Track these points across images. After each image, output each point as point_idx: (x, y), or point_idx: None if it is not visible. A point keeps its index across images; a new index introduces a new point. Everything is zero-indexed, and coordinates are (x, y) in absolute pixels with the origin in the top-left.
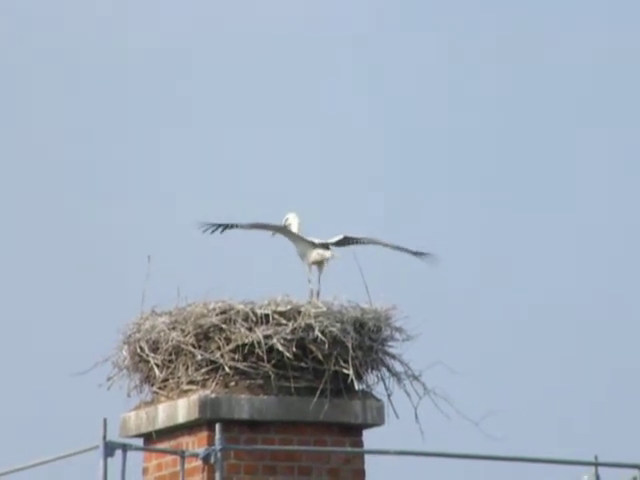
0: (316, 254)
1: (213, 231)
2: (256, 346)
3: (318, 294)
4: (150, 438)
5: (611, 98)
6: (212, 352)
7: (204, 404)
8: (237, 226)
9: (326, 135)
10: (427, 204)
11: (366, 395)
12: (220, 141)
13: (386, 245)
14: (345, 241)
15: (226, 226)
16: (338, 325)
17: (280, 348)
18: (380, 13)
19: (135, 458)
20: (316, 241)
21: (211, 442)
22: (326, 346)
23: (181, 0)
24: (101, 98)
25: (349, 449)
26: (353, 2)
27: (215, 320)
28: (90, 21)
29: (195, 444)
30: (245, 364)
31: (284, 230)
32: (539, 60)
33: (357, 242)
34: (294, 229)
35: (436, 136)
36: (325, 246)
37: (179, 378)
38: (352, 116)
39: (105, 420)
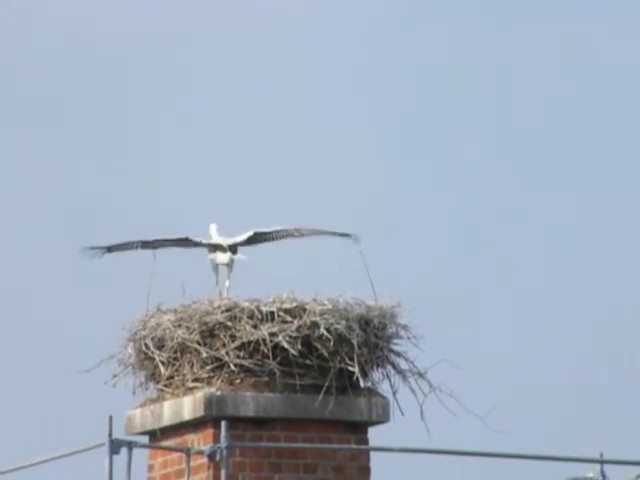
0: (219, 258)
1: (97, 254)
2: (261, 343)
3: (228, 290)
4: (155, 435)
5: (612, 98)
6: (217, 349)
7: (209, 401)
8: (126, 247)
9: (325, 134)
10: (427, 204)
11: (371, 392)
12: (220, 141)
13: (302, 234)
14: (257, 237)
15: (110, 248)
16: (343, 322)
17: (285, 345)
18: (380, 13)
19: (140, 455)
20: (223, 242)
21: (217, 439)
22: (331, 343)
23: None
24: (100, 98)
25: (354, 446)
26: (353, 2)
27: (220, 318)
28: (90, 21)
29: (201, 441)
30: (250, 361)
31: (185, 242)
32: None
33: (269, 237)
34: (213, 236)
35: (435, 138)
36: (233, 248)
37: (184, 375)
38: (352, 117)
39: (110, 417)
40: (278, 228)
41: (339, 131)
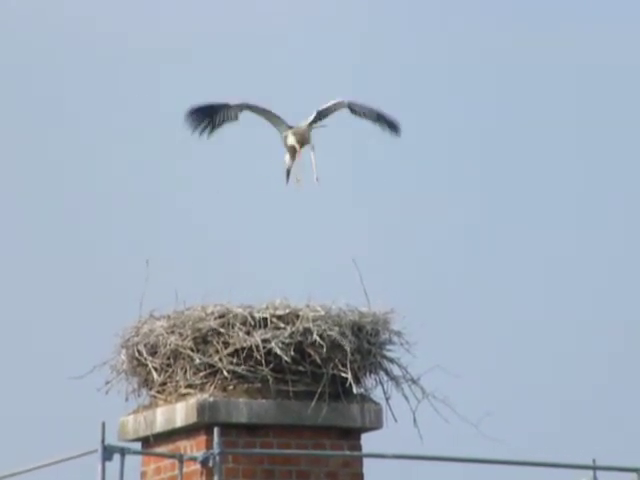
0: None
1: (202, 131)
2: (254, 350)
3: (317, 179)
4: (148, 442)
5: (611, 99)
6: (210, 356)
7: (202, 408)
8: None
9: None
10: (421, 211)
11: (364, 399)
12: (220, 143)
13: (356, 111)
14: (319, 116)
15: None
16: (336, 329)
17: (278, 352)
18: (380, 13)
19: (133, 462)
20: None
21: (209, 446)
22: (324, 350)
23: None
24: (101, 98)
25: (347, 453)
26: (353, 2)
27: (213, 324)
28: (89, 21)
29: (193, 448)
30: (243, 368)
31: (268, 113)
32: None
33: (330, 111)
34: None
35: (430, 142)
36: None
37: (177, 382)
38: (351, 120)
39: (103, 424)
40: (335, 102)
41: (339, 133)
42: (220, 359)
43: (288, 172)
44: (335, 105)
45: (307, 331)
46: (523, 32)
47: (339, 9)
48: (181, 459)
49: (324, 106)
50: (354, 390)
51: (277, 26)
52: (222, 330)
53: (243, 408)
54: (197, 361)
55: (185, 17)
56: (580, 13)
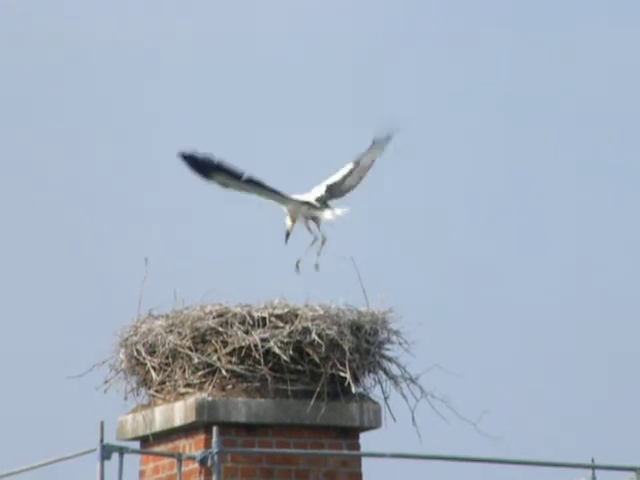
0: (326, 215)
1: (196, 166)
2: (253, 349)
3: (324, 242)
4: (147, 441)
5: (610, 99)
6: (209, 355)
7: (201, 407)
8: (233, 171)
9: (324, 138)
10: (420, 210)
11: (363, 398)
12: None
13: (362, 165)
14: (333, 189)
15: (213, 166)
16: (335, 328)
17: (277, 351)
18: (380, 14)
19: (132, 461)
20: (304, 199)
21: (208, 445)
22: (323, 349)
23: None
24: (100, 99)
25: (346, 452)
26: (354, 2)
27: (212, 323)
28: (88, 21)
29: (192, 447)
30: (242, 367)
31: (278, 195)
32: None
33: (343, 186)
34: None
35: (428, 141)
36: (320, 204)
37: (176, 381)
38: (350, 121)
39: (102, 423)
40: (342, 173)
41: (338, 133)
42: (219, 358)
43: (287, 234)
44: (348, 174)
45: (306, 330)
46: (525, 32)
47: (339, 10)
48: (180, 458)
49: (334, 179)
50: (353, 389)
51: (277, 27)
52: (221, 329)
53: (242, 407)
54: (196, 360)
55: (183, 18)
56: (580, 13)
